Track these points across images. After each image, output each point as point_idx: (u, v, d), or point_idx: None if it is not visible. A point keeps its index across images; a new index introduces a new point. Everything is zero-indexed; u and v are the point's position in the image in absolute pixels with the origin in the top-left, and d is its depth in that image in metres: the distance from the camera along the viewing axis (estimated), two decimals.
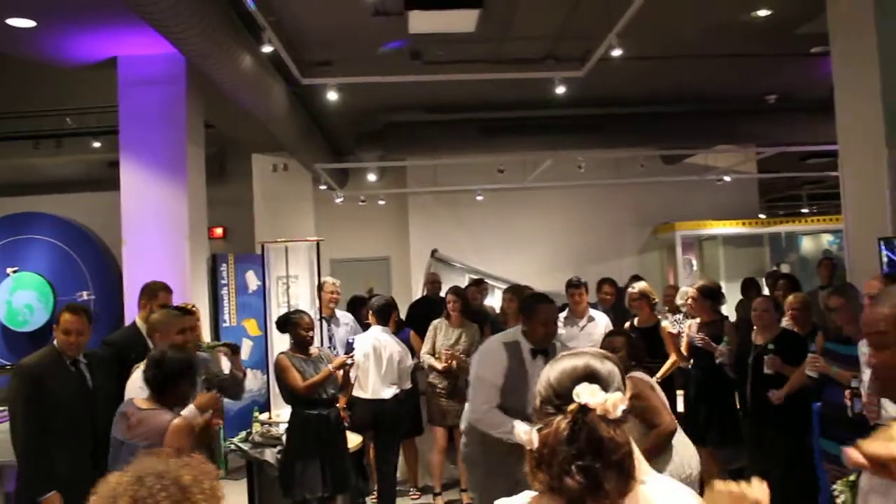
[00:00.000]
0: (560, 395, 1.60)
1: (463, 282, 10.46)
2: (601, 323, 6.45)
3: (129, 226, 6.62)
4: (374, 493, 6.53)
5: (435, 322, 6.61)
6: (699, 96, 9.73)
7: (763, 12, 6.73)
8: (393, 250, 12.64)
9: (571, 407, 1.56)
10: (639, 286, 6.44)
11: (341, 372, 5.22)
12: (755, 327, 5.22)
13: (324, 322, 6.75)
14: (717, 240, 12.57)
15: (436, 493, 6.51)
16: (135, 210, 6.62)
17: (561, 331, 6.21)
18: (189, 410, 3.49)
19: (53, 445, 3.99)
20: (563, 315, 6.54)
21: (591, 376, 1.61)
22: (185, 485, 1.47)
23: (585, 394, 1.56)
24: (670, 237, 12.07)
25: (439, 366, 6.34)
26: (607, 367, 1.65)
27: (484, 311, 7.73)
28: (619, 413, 1.54)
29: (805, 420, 4.90)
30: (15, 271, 10.28)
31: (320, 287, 6.87)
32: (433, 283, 8.59)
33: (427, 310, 7.31)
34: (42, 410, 4.00)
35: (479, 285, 8.54)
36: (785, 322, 5.52)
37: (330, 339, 6.69)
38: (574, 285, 6.57)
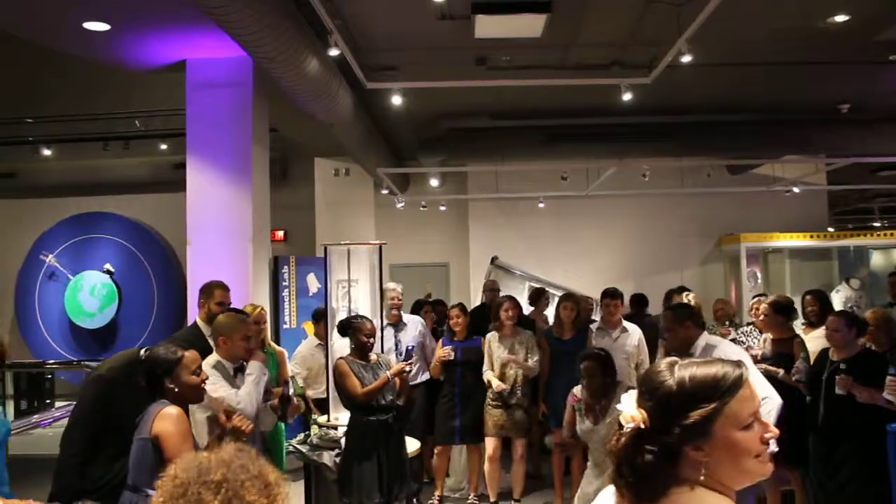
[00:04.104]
0: None
1: (523, 289, 10.36)
2: (634, 334, 6.40)
3: (194, 227, 6.68)
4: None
5: (487, 336, 6.45)
6: (768, 105, 9.49)
7: (841, 17, 6.50)
8: (452, 256, 12.63)
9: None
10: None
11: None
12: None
13: (390, 328, 6.67)
14: (784, 253, 12.24)
15: (492, 502, 6.44)
16: (199, 211, 6.68)
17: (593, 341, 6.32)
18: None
19: (108, 455, 3.78)
20: (594, 326, 6.57)
21: (644, 381, 1.58)
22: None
23: (625, 398, 1.56)
24: (735, 249, 11.80)
25: (495, 384, 6.22)
26: (668, 383, 1.51)
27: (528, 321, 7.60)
28: (629, 426, 1.51)
29: (880, 438, 4.70)
30: (109, 272, 10.49)
31: (383, 293, 6.83)
32: (492, 290, 8.51)
33: (484, 317, 7.20)
34: (110, 416, 3.87)
35: (541, 297, 8.39)
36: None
37: (396, 345, 6.59)
38: (610, 295, 6.51)
